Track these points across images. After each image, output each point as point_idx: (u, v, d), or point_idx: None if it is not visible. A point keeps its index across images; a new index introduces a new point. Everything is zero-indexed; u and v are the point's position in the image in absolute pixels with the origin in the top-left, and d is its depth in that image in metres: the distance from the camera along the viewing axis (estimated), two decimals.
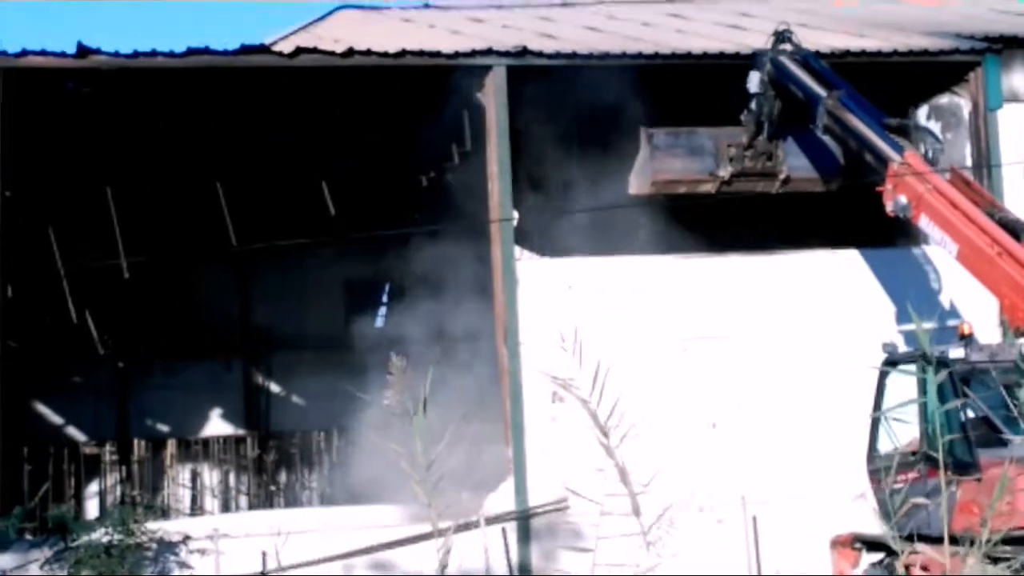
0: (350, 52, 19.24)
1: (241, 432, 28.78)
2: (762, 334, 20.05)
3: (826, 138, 18.59)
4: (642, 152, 20.03)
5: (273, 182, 24.72)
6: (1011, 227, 15.89)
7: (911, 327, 18.59)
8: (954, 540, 8.31)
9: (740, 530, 19.35)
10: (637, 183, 20.18)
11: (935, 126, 21.17)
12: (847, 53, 20.76)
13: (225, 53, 18.92)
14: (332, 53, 19.33)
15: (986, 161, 20.70)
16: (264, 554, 17.73)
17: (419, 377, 6.37)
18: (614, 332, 19.12)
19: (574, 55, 20.14)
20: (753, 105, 19.19)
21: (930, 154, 16.87)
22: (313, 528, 18.48)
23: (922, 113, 21.77)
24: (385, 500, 18.13)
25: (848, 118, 17.47)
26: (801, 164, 19.94)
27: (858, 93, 17.88)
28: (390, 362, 5.74)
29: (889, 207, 16.64)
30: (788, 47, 18.90)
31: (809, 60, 18.73)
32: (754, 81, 18.94)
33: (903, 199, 16.42)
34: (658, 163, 19.82)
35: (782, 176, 19.86)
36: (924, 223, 16.35)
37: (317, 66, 19.39)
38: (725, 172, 19.67)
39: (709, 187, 19.89)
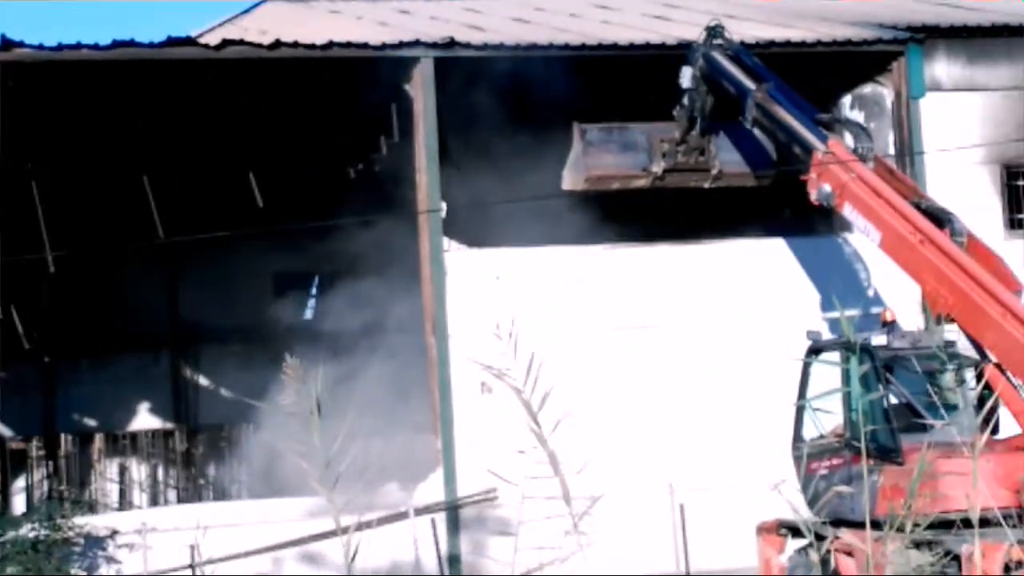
0: (277, 44, 19.16)
1: (169, 426, 28.54)
2: (690, 323, 20.16)
3: (757, 132, 18.65)
4: (575, 148, 19.97)
5: (201, 174, 24.55)
6: (934, 215, 16.03)
7: (835, 315, 18.78)
8: (877, 525, 8.41)
9: (668, 517, 19.48)
10: (571, 179, 20.14)
11: (859, 115, 21.37)
12: (772, 44, 20.90)
13: (151, 46, 18.81)
14: (259, 45, 19.28)
15: (909, 149, 20.91)
16: (192, 548, 17.65)
17: (337, 372, 6.35)
18: (544, 322, 19.11)
19: (501, 46, 20.18)
20: (685, 100, 19.14)
21: (859, 149, 16.95)
22: (242, 521, 18.42)
23: (846, 102, 21.99)
24: (312, 492, 18.11)
25: (776, 110, 17.54)
26: (733, 158, 19.97)
27: (787, 86, 17.96)
28: (285, 363, 5.70)
29: (813, 195, 16.70)
30: (719, 41, 18.92)
31: (740, 54, 18.75)
32: (686, 76, 18.88)
33: (827, 187, 16.49)
34: (591, 159, 19.80)
35: (714, 171, 19.90)
36: (848, 211, 16.44)
37: (244, 58, 19.32)
38: (658, 167, 19.69)
39: (642, 182, 19.92)
